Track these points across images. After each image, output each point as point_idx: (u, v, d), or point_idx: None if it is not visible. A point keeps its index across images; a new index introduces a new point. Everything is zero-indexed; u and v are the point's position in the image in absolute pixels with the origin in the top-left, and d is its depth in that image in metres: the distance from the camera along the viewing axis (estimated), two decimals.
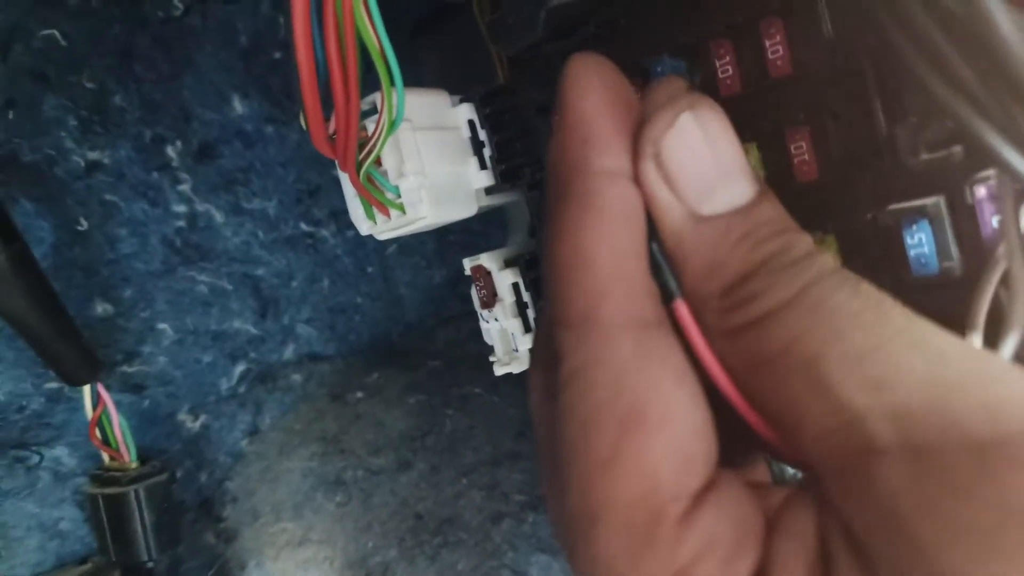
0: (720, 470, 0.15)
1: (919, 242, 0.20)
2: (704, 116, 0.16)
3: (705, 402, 0.15)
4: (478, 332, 0.31)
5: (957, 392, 0.13)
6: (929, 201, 0.19)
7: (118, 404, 0.36)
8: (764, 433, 0.15)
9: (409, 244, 0.49)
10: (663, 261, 0.15)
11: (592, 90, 0.17)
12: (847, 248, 0.22)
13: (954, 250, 0.20)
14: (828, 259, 0.15)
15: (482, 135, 0.29)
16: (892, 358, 0.13)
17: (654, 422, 0.14)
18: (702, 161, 0.16)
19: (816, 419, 0.13)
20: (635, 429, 0.14)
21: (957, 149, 0.19)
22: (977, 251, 0.19)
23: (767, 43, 0.22)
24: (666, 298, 0.16)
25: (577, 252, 0.15)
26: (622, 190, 0.15)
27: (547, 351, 0.16)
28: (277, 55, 0.42)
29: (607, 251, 0.15)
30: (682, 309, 0.15)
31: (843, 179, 0.21)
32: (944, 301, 0.20)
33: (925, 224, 0.20)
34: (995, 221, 0.19)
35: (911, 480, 0.12)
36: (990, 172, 0.18)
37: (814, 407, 0.13)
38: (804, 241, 0.15)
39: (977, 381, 0.13)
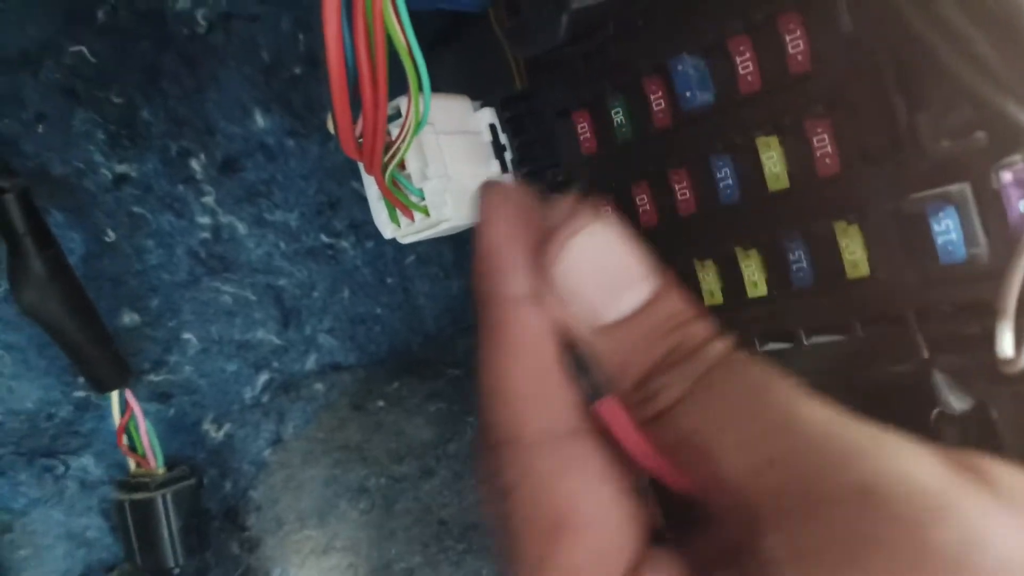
0: (653, 550, 0.16)
1: (946, 229, 0.20)
2: (594, 232, 0.17)
3: (630, 494, 0.16)
4: None
5: (830, 472, 0.14)
6: (954, 188, 0.19)
7: (145, 412, 0.36)
8: (701, 499, 0.16)
9: (427, 254, 0.49)
10: (581, 368, 0.17)
11: (500, 219, 0.18)
12: (872, 238, 0.22)
13: (981, 236, 0.20)
14: (718, 348, 0.16)
15: (503, 139, 0.29)
16: (773, 441, 0.14)
17: (574, 528, 0.15)
18: (597, 275, 0.17)
19: (721, 501, 0.15)
20: (557, 538, 0.15)
21: (980, 135, 0.19)
22: (1004, 237, 0.19)
23: (787, 38, 0.22)
24: (590, 401, 0.17)
25: (494, 380, 0.17)
26: (528, 315, 0.17)
27: (486, 468, 0.18)
28: (298, 70, 0.43)
29: (519, 376, 0.17)
30: (600, 409, 0.17)
31: (866, 170, 0.21)
32: (973, 289, 0.20)
33: (952, 211, 0.20)
34: (1022, 206, 0.19)
35: (784, 559, 0.13)
36: (1015, 157, 0.19)
37: (717, 491, 0.15)
38: (698, 331, 0.17)
39: (849, 459, 0.14)
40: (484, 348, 0.17)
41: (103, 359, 0.27)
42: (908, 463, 0.14)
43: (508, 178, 0.29)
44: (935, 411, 0.25)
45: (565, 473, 0.16)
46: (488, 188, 0.19)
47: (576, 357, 0.17)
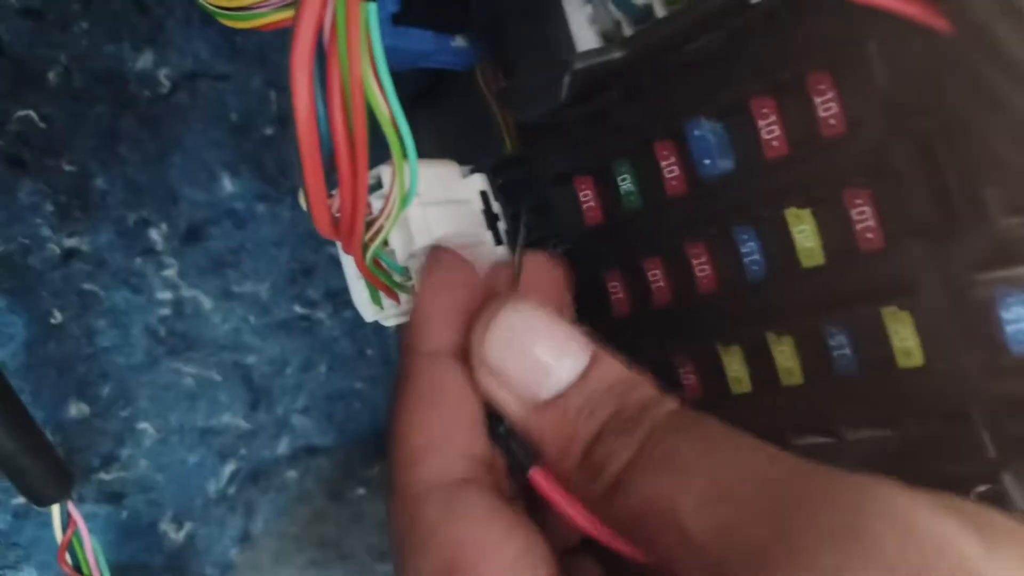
0: None
1: (1017, 316, 0.17)
2: (515, 315, 0.18)
3: (525, 536, 0.16)
4: None
5: (796, 514, 0.14)
6: None
7: (93, 517, 0.32)
8: (639, 559, 0.16)
9: None
10: (507, 439, 0.18)
11: (437, 286, 0.19)
12: (926, 324, 0.19)
13: None
14: (660, 409, 0.17)
15: (496, 207, 0.26)
16: (733, 496, 0.14)
17: (463, 569, 0.15)
18: (526, 355, 0.17)
19: (686, 564, 0.15)
20: None
21: None
22: None
23: (817, 100, 0.20)
24: (517, 469, 0.18)
25: (396, 428, 0.18)
26: (434, 366, 0.18)
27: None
28: (269, 131, 0.40)
29: (417, 425, 0.17)
30: (536, 478, 0.17)
31: (915, 246, 0.19)
32: None
33: (1023, 296, 0.17)
34: None
35: None
36: None
37: (682, 554, 0.15)
38: (637, 396, 0.17)
39: (809, 498, 0.14)
40: (393, 398, 0.18)
41: (40, 471, 0.24)
42: (893, 502, 0.13)
43: (501, 251, 0.26)
44: (975, 492, 0.22)
45: (452, 517, 0.16)
46: (434, 254, 0.20)
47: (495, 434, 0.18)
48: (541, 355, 0.17)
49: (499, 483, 0.18)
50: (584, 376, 0.17)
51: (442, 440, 0.17)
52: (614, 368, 0.18)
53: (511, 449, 0.18)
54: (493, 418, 0.18)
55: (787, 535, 0.13)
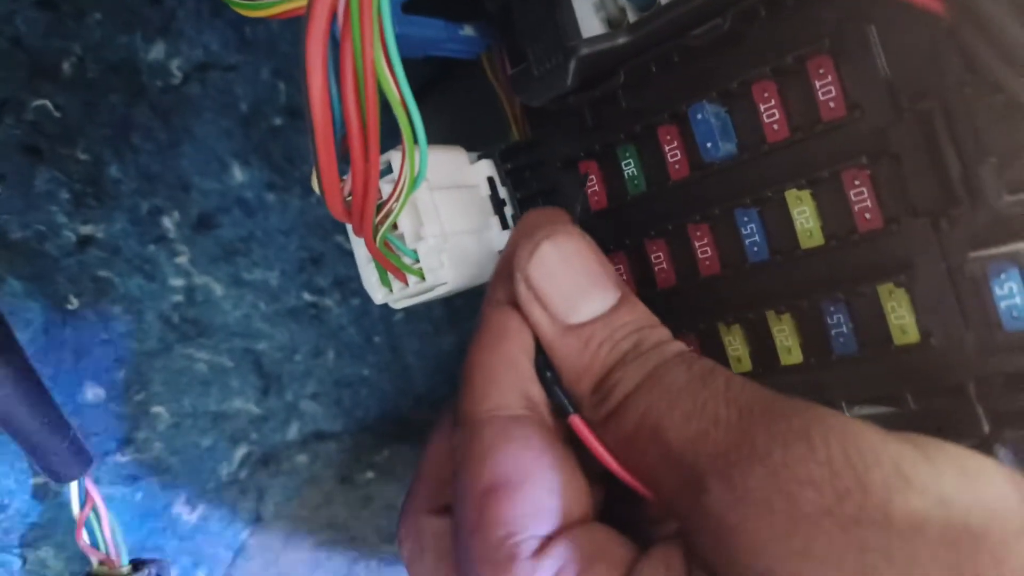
0: (586, 519, 0.18)
1: (1010, 292, 0.18)
2: (560, 242, 0.19)
3: (569, 469, 0.18)
4: None
5: (759, 426, 0.15)
6: (1020, 246, 0.17)
7: (109, 498, 0.33)
8: (651, 498, 0.18)
9: (417, 311, 0.46)
10: (553, 385, 0.19)
11: (517, 234, 0.21)
12: (922, 301, 0.20)
13: None
14: (673, 347, 0.18)
15: (503, 193, 0.27)
16: (711, 413, 0.16)
17: (508, 489, 0.17)
18: (563, 280, 0.19)
19: (668, 476, 0.17)
20: (492, 496, 0.17)
21: None
22: None
23: (817, 84, 0.20)
24: (560, 413, 0.19)
25: (466, 368, 0.19)
26: (502, 314, 0.20)
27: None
28: (278, 121, 0.41)
29: (483, 364, 0.19)
30: (575, 422, 0.19)
31: (912, 226, 0.19)
32: None
33: (1015, 273, 0.18)
34: None
35: (728, 505, 0.15)
36: None
37: (664, 467, 0.17)
38: (656, 335, 0.19)
39: (772, 415, 0.16)
40: (471, 342, 0.20)
41: (59, 449, 0.24)
42: (843, 421, 0.15)
43: (508, 235, 0.27)
44: None
45: (506, 443, 0.18)
46: (525, 215, 0.21)
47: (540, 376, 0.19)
48: (578, 283, 0.19)
49: (552, 425, 0.19)
50: (612, 311, 0.19)
51: (504, 380, 0.19)
52: (639, 310, 0.19)
53: (555, 395, 0.19)
54: (541, 365, 0.19)
55: (748, 441, 0.15)
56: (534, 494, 0.17)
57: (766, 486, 0.15)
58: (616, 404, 0.18)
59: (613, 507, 0.20)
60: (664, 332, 0.19)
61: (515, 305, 0.20)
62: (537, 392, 0.19)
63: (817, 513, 0.14)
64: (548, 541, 0.17)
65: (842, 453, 0.14)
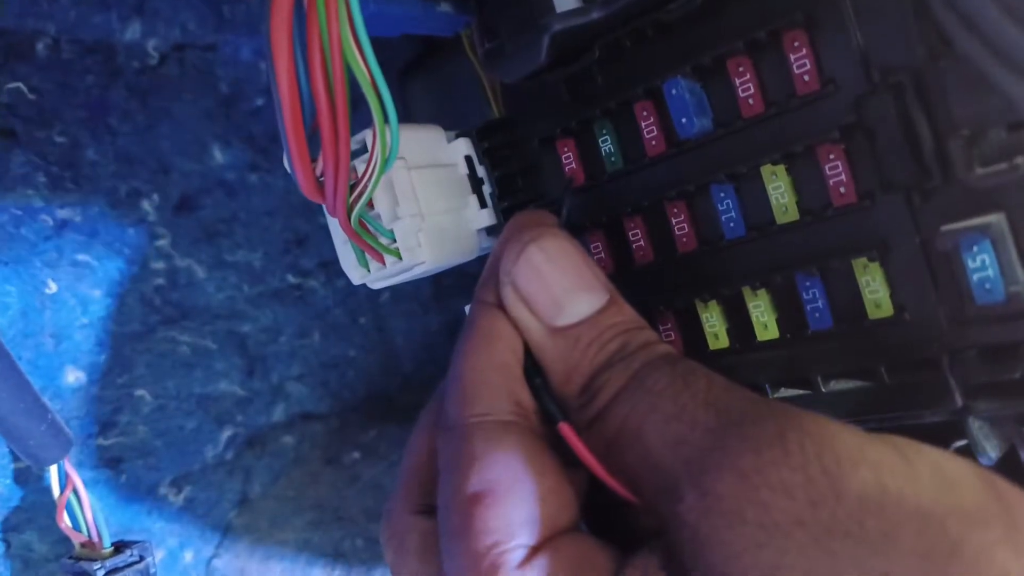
0: (571, 527, 0.18)
1: (982, 265, 0.18)
2: (547, 244, 0.19)
3: (556, 476, 0.18)
4: None
5: (734, 430, 0.15)
6: (990, 219, 0.17)
7: (94, 482, 0.33)
8: (636, 503, 0.18)
9: (403, 291, 0.46)
10: (541, 391, 0.19)
11: (507, 234, 0.20)
12: (896, 275, 0.20)
13: (1020, 272, 0.18)
14: (659, 349, 0.18)
15: (481, 171, 0.27)
16: (690, 416, 0.16)
17: (493, 497, 0.17)
18: (550, 283, 0.19)
19: (648, 481, 0.17)
20: (477, 506, 0.17)
21: (1020, 160, 0.17)
22: None
23: (792, 57, 0.20)
24: (549, 420, 0.19)
25: (455, 368, 0.19)
26: (489, 316, 0.19)
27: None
28: (259, 102, 0.40)
29: (471, 368, 0.19)
30: (564, 430, 0.18)
31: (886, 201, 0.19)
32: (1014, 330, 0.18)
33: (987, 244, 0.18)
34: None
35: (701, 514, 0.15)
36: None
37: (644, 472, 0.17)
38: (643, 337, 0.18)
39: (749, 419, 0.15)
40: (458, 343, 0.20)
41: (37, 432, 0.24)
42: (820, 423, 0.15)
43: (486, 214, 0.27)
44: (953, 447, 0.22)
45: (491, 453, 0.17)
46: (514, 216, 0.21)
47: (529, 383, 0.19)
48: (564, 286, 0.19)
49: (539, 430, 0.19)
50: (600, 313, 0.19)
51: (492, 384, 0.19)
52: (627, 312, 0.19)
53: (544, 401, 0.19)
54: (530, 370, 0.19)
55: (721, 446, 0.15)
56: (521, 503, 0.17)
57: (738, 494, 0.14)
58: (602, 406, 0.18)
59: (607, 508, 0.20)
60: (651, 334, 0.19)
61: (503, 307, 0.19)
62: (526, 397, 0.19)
63: (789, 523, 0.14)
64: (534, 551, 0.17)
65: (817, 459, 0.14)
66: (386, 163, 0.21)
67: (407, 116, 0.40)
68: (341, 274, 0.43)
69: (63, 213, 0.33)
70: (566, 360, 0.18)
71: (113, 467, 0.33)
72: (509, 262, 0.19)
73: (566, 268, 0.19)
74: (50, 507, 0.31)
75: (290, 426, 0.40)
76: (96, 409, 0.33)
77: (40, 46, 0.34)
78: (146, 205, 0.36)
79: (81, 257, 0.34)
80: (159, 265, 0.36)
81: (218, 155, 0.39)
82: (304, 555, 0.36)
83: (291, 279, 0.41)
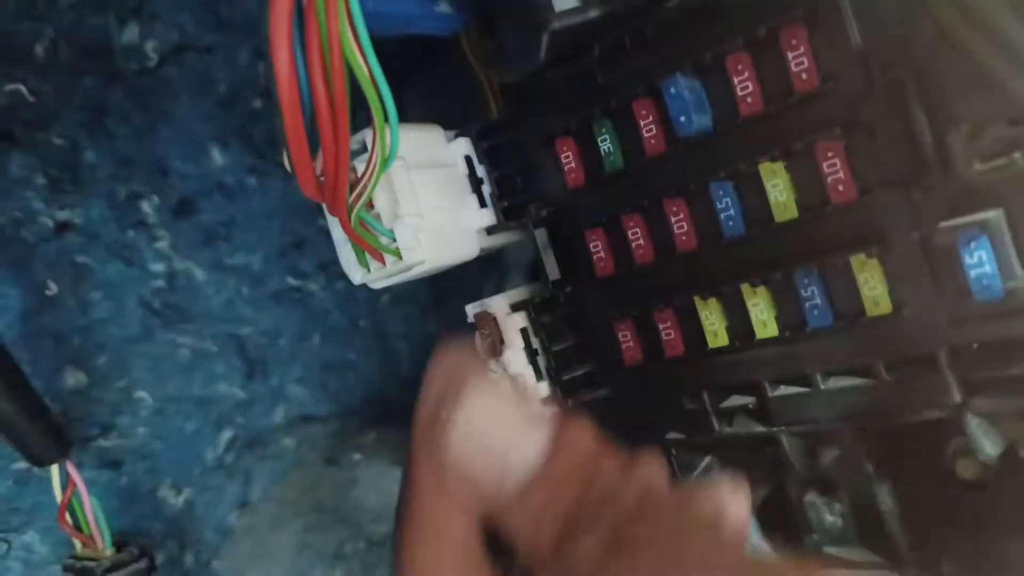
0: None
1: (979, 261, 0.18)
2: (474, 407, 0.17)
3: None
4: None
5: None
6: (988, 215, 0.17)
7: (93, 483, 0.33)
8: None
9: (402, 293, 0.46)
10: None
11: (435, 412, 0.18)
12: (895, 272, 0.20)
13: (1019, 268, 0.18)
14: (630, 489, 0.17)
15: (480, 171, 0.27)
16: None
17: None
18: (484, 451, 0.17)
19: None
20: None
21: (1017, 156, 0.17)
22: None
23: (790, 55, 0.20)
24: None
25: (399, 562, 0.18)
26: (437, 505, 0.17)
27: None
28: (257, 103, 0.40)
29: (419, 560, 0.17)
30: None
31: (885, 196, 0.19)
32: (1012, 326, 0.18)
33: (985, 241, 0.18)
34: None
35: None
36: None
37: None
38: (601, 482, 0.17)
39: None
40: (401, 520, 0.18)
41: (38, 433, 0.24)
42: None
43: (486, 214, 0.27)
44: (953, 445, 0.22)
45: None
46: (435, 364, 0.19)
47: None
48: (502, 446, 0.17)
49: None
50: (549, 462, 0.17)
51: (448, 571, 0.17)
52: (574, 450, 0.17)
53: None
54: (490, 549, 0.18)
55: None
56: None
57: None
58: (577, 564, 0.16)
59: None
60: (612, 461, 0.17)
61: (447, 481, 0.18)
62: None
63: None
64: None
65: None
66: (386, 162, 0.21)
67: (406, 116, 0.40)
68: (340, 276, 0.43)
69: (63, 215, 0.33)
70: (528, 528, 0.17)
71: (114, 469, 0.33)
72: (441, 442, 0.17)
73: (499, 426, 0.17)
74: (50, 509, 0.31)
75: (290, 428, 0.40)
76: (97, 411, 0.33)
77: (39, 48, 0.34)
78: (145, 207, 0.36)
79: (81, 259, 0.34)
80: (158, 267, 0.36)
81: (217, 157, 0.39)
82: (304, 556, 0.36)
83: (291, 281, 0.41)
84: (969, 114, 0.17)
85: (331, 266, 0.43)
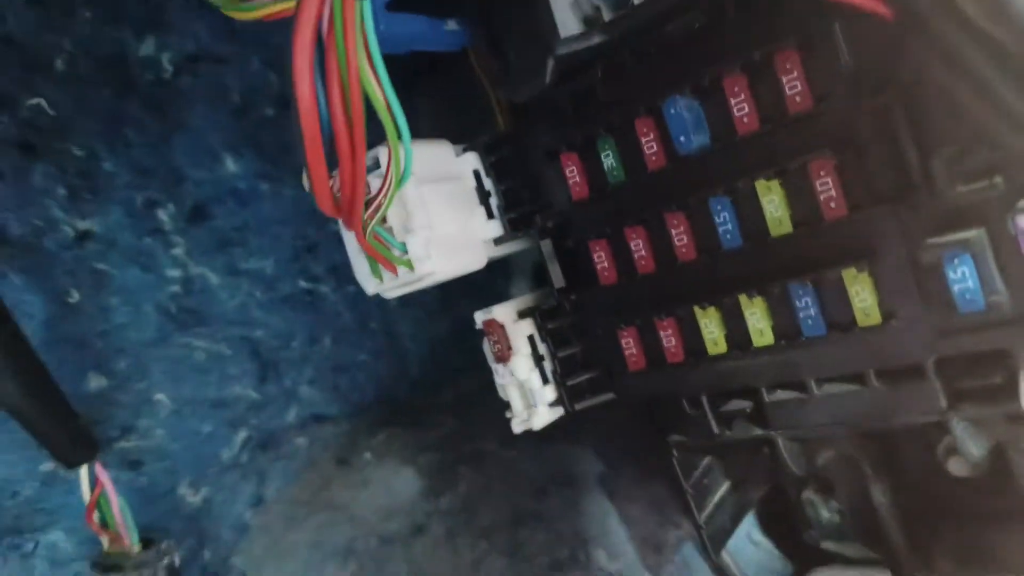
0: None
1: (962, 276, 0.19)
2: None
3: None
4: (487, 385, 0.30)
5: None
6: (971, 234, 0.18)
7: (115, 483, 0.34)
8: None
9: (411, 297, 0.47)
10: None
11: None
12: (884, 285, 0.21)
13: (1000, 283, 0.19)
14: None
15: (488, 184, 0.28)
16: None
17: None
18: None
19: None
20: None
21: (998, 179, 0.18)
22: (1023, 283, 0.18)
23: (783, 79, 0.21)
24: None
25: None
26: None
27: None
28: (269, 112, 0.41)
29: None
30: None
31: (875, 214, 0.20)
32: (994, 337, 0.19)
33: (967, 258, 0.19)
34: None
35: None
36: None
37: None
38: None
39: None
40: None
41: (67, 435, 0.25)
42: None
43: (494, 225, 0.28)
44: (943, 444, 0.23)
45: None
46: None
47: None
48: None
49: None
50: None
51: None
52: None
53: None
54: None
55: None
56: None
57: None
58: None
59: None
60: None
61: None
62: None
63: None
64: None
65: None
66: (400, 182, 0.22)
67: (414, 123, 0.41)
68: (351, 280, 0.44)
69: (83, 224, 0.35)
70: None
71: (134, 469, 0.35)
72: None
73: None
74: (74, 509, 0.32)
75: (302, 429, 0.41)
76: (117, 413, 0.34)
77: (58, 61, 0.35)
78: (161, 215, 0.37)
79: (100, 266, 0.35)
80: (175, 273, 0.37)
81: (230, 164, 0.40)
82: (317, 553, 0.38)
83: (302, 285, 0.42)
84: (951, 140, 0.18)
85: (342, 269, 0.44)
